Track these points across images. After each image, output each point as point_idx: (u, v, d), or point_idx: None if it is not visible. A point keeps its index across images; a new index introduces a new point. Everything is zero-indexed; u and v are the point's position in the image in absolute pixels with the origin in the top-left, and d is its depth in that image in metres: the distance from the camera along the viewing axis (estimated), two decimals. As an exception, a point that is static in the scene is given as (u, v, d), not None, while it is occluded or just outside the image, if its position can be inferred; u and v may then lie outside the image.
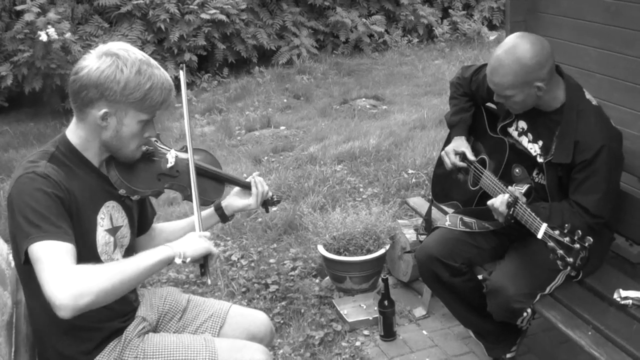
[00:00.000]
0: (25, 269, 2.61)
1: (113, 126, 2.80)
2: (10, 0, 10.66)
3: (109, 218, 2.92)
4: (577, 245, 3.17)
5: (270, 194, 3.44)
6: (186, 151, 3.12)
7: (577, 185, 3.60)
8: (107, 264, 2.60)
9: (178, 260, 2.68)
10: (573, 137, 3.58)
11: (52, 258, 2.49)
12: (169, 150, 3.10)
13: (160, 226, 3.45)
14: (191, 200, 3.00)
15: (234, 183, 3.37)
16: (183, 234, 3.33)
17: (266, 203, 3.44)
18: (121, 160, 2.92)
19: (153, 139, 3.04)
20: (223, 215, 3.36)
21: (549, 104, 3.69)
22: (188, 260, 2.70)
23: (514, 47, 3.55)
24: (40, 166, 2.69)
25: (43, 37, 9.78)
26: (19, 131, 10.04)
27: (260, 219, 6.20)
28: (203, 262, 2.79)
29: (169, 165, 3.05)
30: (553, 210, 3.58)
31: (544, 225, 3.31)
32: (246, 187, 3.34)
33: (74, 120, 2.86)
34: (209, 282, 2.85)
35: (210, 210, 3.36)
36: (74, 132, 2.86)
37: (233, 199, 3.37)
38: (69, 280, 2.44)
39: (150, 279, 5.36)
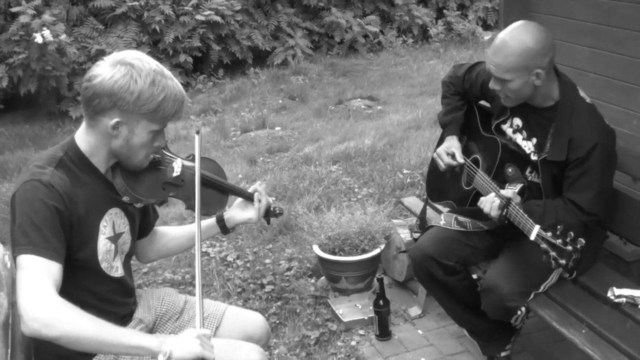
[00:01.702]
0: None
1: (124, 135, 2.79)
2: (5, 2, 10.66)
3: (111, 225, 2.92)
4: (570, 247, 3.18)
5: (273, 206, 3.43)
6: (193, 160, 3.10)
7: (571, 183, 3.62)
8: (91, 316, 2.51)
9: (161, 358, 2.51)
10: (567, 135, 3.60)
11: (34, 275, 2.50)
12: (175, 159, 3.09)
13: (162, 230, 3.44)
14: (194, 210, 2.95)
15: (237, 194, 3.36)
16: (184, 242, 3.35)
17: (268, 214, 3.43)
18: (129, 168, 2.92)
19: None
20: (224, 227, 3.35)
21: (543, 100, 3.71)
22: None
23: (520, 31, 3.57)
24: (47, 174, 2.69)
25: (38, 39, 9.78)
26: (14, 133, 10.03)
27: (255, 220, 6.20)
28: None
29: (174, 174, 3.04)
30: (547, 207, 3.59)
31: (537, 227, 3.32)
32: (249, 198, 3.32)
33: (83, 125, 2.85)
34: None
35: (211, 220, 3.35)
36: (83, 138, 2.85)
37: (235, 212, 3.35)
38: (45, 306, 2.44)
39: (146, 280, 5.37)
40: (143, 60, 2.77)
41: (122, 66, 2.72)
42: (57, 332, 2.43)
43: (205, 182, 3.14)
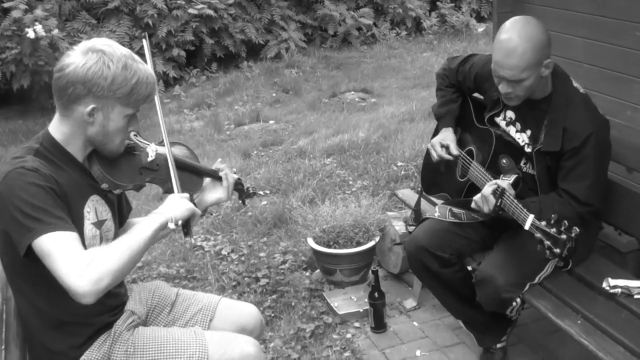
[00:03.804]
0: (12, 266, 2.61)
1: (99, 122, 2.81)
2: (-4, -2, 10.65)
3: (94, 212, 2.92)
4: (564, 236, 3.18)
5: (246, 185, 3.46)
6: (164, 145, 3.13)
7: (566, 173, 3.61)
8: (111, 243, 2.68)
9: (171, 225, 2.76)
10: (562, 125, 3.59)
11: (63, 249, 2.53)
12: (149, 145, 3.12)
13: (135, 221, 3.44)
14: (172, 193, 3.01)
15: (209, 175, 3.36)
16: None
17: (242, 195, 3.47)
18: (105, 154, 2.93)
19: (133, 134, 3.05)
20: None
21: (538, 91, 3.69)
22: (180, 222, 2.79)
23: (523, 27, 3.53)
24: (28, 161, 2.70)
25: (30, 34, 9.77)
26: (7, 129, 10.03)
27: (250, 213, 6.20)
28: (184, 222, 2.86)
29: (149, 159, 3.07)
30: (543, 204, 3.57)
31: (531, 217, 3.32)
32: (216, 177, 3.34)
33: (56, 116, 2.87)
34: (193, 240, 2.90)
35: None
36: (57, 128, 2.86)
37: (204, 194, 3.35)
38: (85, 267, 2.50)
39: (141, 274, 5.36)
40: (113, 46, 2.81)
41: (93, 53, 2.75)
42: (110, 275, 2.55)
43: (179, 165, 3.16)
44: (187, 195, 2.91)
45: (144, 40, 3.19)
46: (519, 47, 3.48)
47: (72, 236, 2.59)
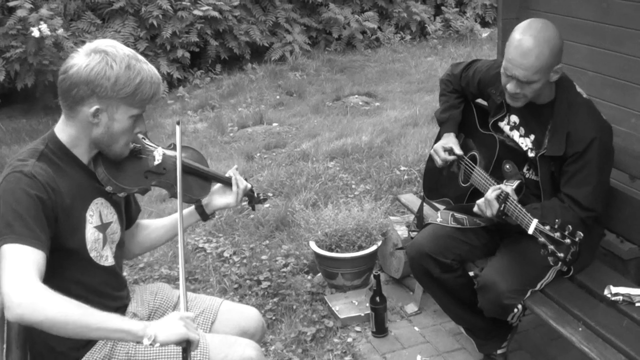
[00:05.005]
0: None
1: (104, 122, 2.81)
2: (2, -4, 10.66)
3: (98, 215, 2.92)
4: (568, 240, 3.17)
5: (255, 191, 3.47)
6: (173, 149, 3.12)
7: (569, 178, 3.62)
8: (74, 301, 2.51)
9: (146, 342, 2.54)
10: (565, 130, 3.60)
11: (17, 262, 2.49)
12: (156, 148, 3.12)
13: (145, 222, 3.45)
14: (177, 198, 2.99)
15: (217, 180, 3.38)
16: (165, 232, 3.36)
17: (252, 201, 3.48)
18: (110, 157, 2.93)
19: (141, 137, 3.05)
20: (203, 214, 3.36)
21: (542, 96, 3.69)
22: (157, 345, 2.57)
23: (541, 29, 3.52)
24: (29, 165, 2.70)
25: (35, 33, 9.76)
26: (11, 127, 10.02)
27: (252, 216, 6.20)
28: (185, 345, 2.64)
29: (156, 162, 3.06)
30: (545, 210, 3.57)
31: (535, 221, 3.31)
32: (227, 183, 3.35)
33: (62, 118, 2.87)
34: None
35: (190, 208, 3.36)
36: (63, 130, 2.86)
37: (213, 197, 3.37)
38: (28, 290, 2.44)
39: (143, 275, 5.37)
40: (116, 47, 2.81)
41: (96, 54, 2.75)
42: (42, 316, 2.42)
43: (187, 170, 3.16)
44: (191, 314, 2.73)
45: (177, 127, 3.16)
46: (536, 49, 3.47)
47: (33, 254, 2.54)
